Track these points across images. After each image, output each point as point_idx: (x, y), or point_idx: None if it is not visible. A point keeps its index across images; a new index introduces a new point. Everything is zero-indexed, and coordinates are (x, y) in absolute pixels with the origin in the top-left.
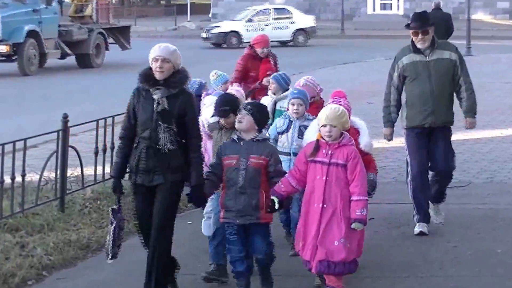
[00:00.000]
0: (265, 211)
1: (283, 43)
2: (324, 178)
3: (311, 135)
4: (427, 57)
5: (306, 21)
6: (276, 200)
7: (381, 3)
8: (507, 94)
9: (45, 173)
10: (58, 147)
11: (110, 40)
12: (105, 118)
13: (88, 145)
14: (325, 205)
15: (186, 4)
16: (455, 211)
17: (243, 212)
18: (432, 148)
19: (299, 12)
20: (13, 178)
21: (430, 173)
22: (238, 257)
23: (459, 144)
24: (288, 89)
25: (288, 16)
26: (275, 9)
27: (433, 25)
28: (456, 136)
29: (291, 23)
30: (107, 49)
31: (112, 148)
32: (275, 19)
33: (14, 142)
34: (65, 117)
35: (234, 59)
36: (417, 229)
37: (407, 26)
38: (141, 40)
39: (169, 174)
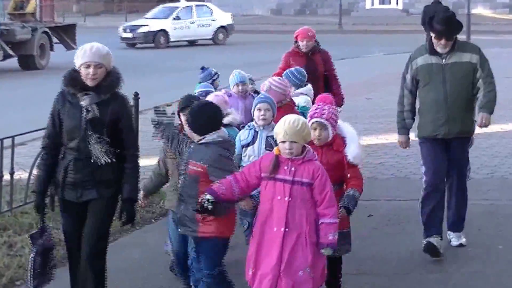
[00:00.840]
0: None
1: (208, 42)
2: (286, 198)
3: None
4: (444, 60)
5: (225, 18)
6: (210, 198)
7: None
8: (507, 89)
9: (34, 171)
10: None
11: (55, 39)
12: None
13: None
14: (287, 229)
15: None
16: None
17: (182, 221)
18: (449, 160)
19: (218, 9)
20: (1, 176)
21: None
22: (177, 262)
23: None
24: (302, 85)
25: (209, 13)
26: (197, 6)
27: (461, 30)
28: None
29: (213, 20)
30: (52, 49)
31: None
32: (199, 16)
33: (1, 140)
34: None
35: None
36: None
37: (429, 25)
38: None
39: (103, 189)
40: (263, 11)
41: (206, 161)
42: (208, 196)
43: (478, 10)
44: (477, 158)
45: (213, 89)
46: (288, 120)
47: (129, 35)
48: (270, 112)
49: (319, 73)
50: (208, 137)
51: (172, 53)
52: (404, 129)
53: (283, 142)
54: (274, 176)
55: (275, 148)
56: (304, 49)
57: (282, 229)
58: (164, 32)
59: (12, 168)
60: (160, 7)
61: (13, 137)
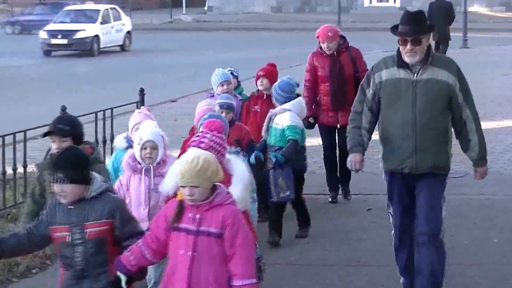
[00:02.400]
0: None
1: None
2: (189, 253)
3: (169, 181)
4: (415, 75)
5: (129, 23)
6: (123, 277)
7: None
8: (503, 86)
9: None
10: None
11: None
12: (103, 110)
13: (87, 137)
14: None
15: None
16: (452, 201)
17: None
18: (416, 201)
19: (123, 13)
20: (14, 169)
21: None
22: None
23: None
24: (292, 98)
25: (120, 17)
26: (111, 9)
27: (431, 30)
28: None
29: (123, 25)
30: None
31: (112, 139)
32: (115, 20)
33: (14, 134)
34: (64, 109)
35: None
36: None
37: (394, 29)
38: (137, 33)
39: None
40: (264, 9)
41: (110, 214)
42: (121, 276)
43: (475, 7)
44: None
45: (233, 102)
46: (186, 159)
47: (63, 41)
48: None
49: (346, 75)
50: (96, 187)
51: (114, 61)
52: (359, 147)
53: (183, 187)
54: (177, 225)
55: (178, 192)
56: (328, 51)
57: None
58: (97, 37)
59: (25, 162)
60: (65, 9)
61: (25, 131)
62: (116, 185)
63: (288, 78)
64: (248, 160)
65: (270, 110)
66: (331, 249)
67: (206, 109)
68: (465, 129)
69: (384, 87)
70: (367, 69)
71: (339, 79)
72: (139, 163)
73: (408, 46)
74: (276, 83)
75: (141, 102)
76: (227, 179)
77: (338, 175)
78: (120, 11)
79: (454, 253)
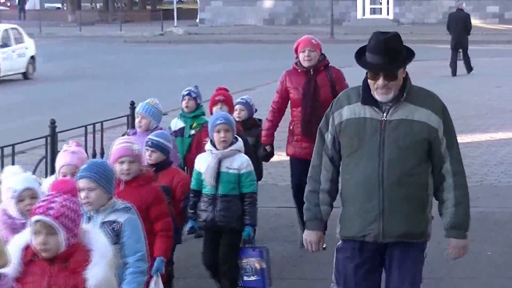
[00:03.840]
0: None
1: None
2: None
3: None
4: (385, 114)
5: (32, 46)
6: None
7: (370, 8)
8: (497, 98)
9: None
10: (47, 152)
11: None
12: (93, 124)
13: None
14: None
15: (173, 9)
16: None
17: None
18: (386, 277)
19: (25, 34)
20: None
21: None
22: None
23: None
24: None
25: (22, 39)
26: (12, 29)
27: (411, 59)
28: None
29: (26, 48)
30: None
31: (102, 154)
32: (16, 43)
33: (1, 148)
34: (53, 123)
35: None
36: None
37: (359, 57)
38: (127, 46)
39: None
40: (256, 21)
41: None
42: None
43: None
44: (467, 166)
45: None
46: None
47: None
48: (95, 191)
49: (322, 99)
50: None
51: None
52: (316, 221)
53: None
54: None
55: None
56: (306, 61)
57: None
58: None
59: None
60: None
61: (13, 145)
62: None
63: (226, 113)
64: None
65: (214, 151)
66: (325, 263)
67: (124, 148)
68: (441, 186)
69: (345, 129)
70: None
71: (313, 102)
72: (19, 219)
73: (380, 81)
74: (243, 98)
75: (131, 116)
76: (84, 257)
77: None
78: (23, 32)
79: (448, 266)
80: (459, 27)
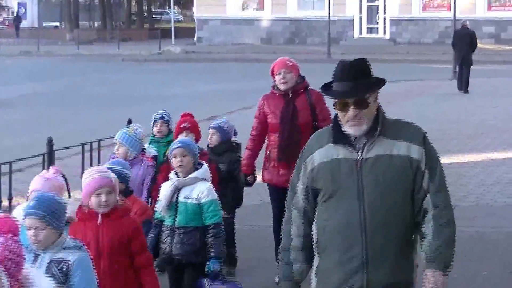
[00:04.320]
0: None
1: None
2: None
3: None
4: (360, 152)
5: None
6: None
7: (367, 27)
8: (493, 118)
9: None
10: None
11: None
12: (90, 142)
13: (74, 169)
14: None
15: (170, 28)
16: None
17: None
18: None
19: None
20: None
21: None
22: None
23: (444, 167)
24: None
25: None
26: None
27: (381, 85)
28: (442, 159)
29: None
30: None
31: None
32: None
33: None
34: (50, 141)
35: None
36: None
37: (326, 88)
38: (125, 64)
39: None
40: (253, 40)
41: None
42: None
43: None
44: (463, 186)
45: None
46: None
47: None
48: (43, 232)
49: (301, 123)
50: None
51: None
52: (287, 281)
53: None
54: None
55: None
56: (282, 83)
57: None
58: None
59: (10, 194)
60: None
61: (10, 163)
62: None
63: (186, 138)
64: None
65: (175, 178)
66: None
67: (100, 178)
68: (424, 220)
69: (318, 175)
70: (330, 118)
71: (291, 127)
72: None
73: (350, 112)
74: (218, 121)
75: None
76: None
77: None
78: None
79: None
80: (464, 44)
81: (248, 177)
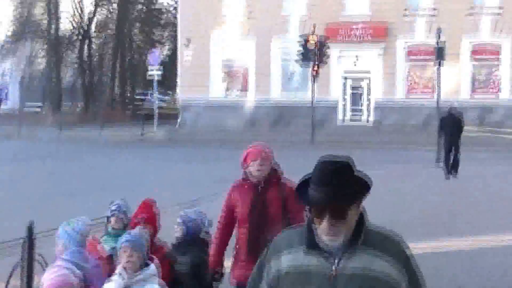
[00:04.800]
0: None
1: None
2: None
3: None
4: (337, 262)
5: None
6: None
7: (351, 114)
8: (485, 201)
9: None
10: (22, 257)
11: None
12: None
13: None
14: None
15: (153, 111)
16: None
17: None
18: None
19: None
20: None
21: None
22: None
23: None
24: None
25: None
26: None
27: (364, 193)
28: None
29: None
30: None
31: None
32: None
33: None
34: (31, 224)
35: None
36: None
37: (301, 190)
38: (107, 149)
39: None
40: (237, 123)
41: None
42: None
43: (466, 127)
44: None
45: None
46: None
47: None
48: None
49: (271, 215)
50: None
51: None
52: None
53: None
54: None
55: None
56: (256, 173)
57: None
58: None
59: None
60: None
61: None
62: None
63: (136, 232)
64: None
65: (124, 275)
66: None
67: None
68: None
69: (285, 282)
70: (303, 214)
71: (260, 219)
72: None
73: (325, 222)
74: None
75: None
76: None
77: None
78: None
79: None
80: (453, 128)
81: (215, 275)
